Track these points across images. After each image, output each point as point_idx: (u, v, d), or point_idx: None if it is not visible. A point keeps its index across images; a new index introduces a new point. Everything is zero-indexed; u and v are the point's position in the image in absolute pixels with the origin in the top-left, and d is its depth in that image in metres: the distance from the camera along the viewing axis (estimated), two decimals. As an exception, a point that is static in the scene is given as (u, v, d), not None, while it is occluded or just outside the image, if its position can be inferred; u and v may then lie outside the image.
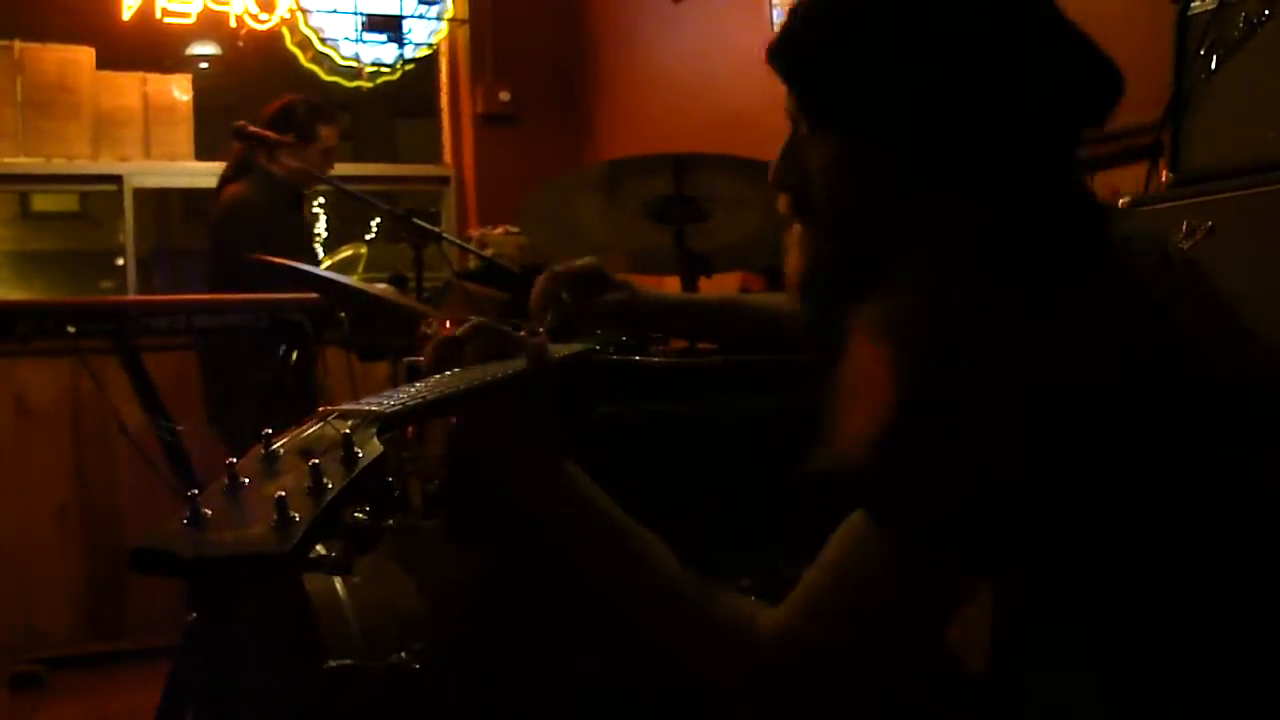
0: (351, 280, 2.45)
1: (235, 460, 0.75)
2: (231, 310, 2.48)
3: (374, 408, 0.84)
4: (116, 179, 4.85)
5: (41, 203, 10.02)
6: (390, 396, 0.89)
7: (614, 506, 1.02)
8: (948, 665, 1.17)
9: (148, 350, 2.39)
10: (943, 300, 0.91)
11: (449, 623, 1.47)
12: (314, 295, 2.44)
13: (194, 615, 2.28)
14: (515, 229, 4.42)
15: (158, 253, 8.29)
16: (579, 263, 1.49)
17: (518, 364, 1.00)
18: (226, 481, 0.74)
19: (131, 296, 4.65)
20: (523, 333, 1.52)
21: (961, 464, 0.86)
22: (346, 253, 4.97)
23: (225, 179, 3.85)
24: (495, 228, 4.65)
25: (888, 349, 0.90)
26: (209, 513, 0.70)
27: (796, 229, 1.07)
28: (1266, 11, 1.87)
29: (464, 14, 5.47)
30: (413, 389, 0.92)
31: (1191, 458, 0.89)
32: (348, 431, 0.78)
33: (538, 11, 5.49)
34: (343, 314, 2.40)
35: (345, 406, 0.85)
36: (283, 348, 2.47)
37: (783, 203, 1.08)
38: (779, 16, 4.16)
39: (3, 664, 3.90)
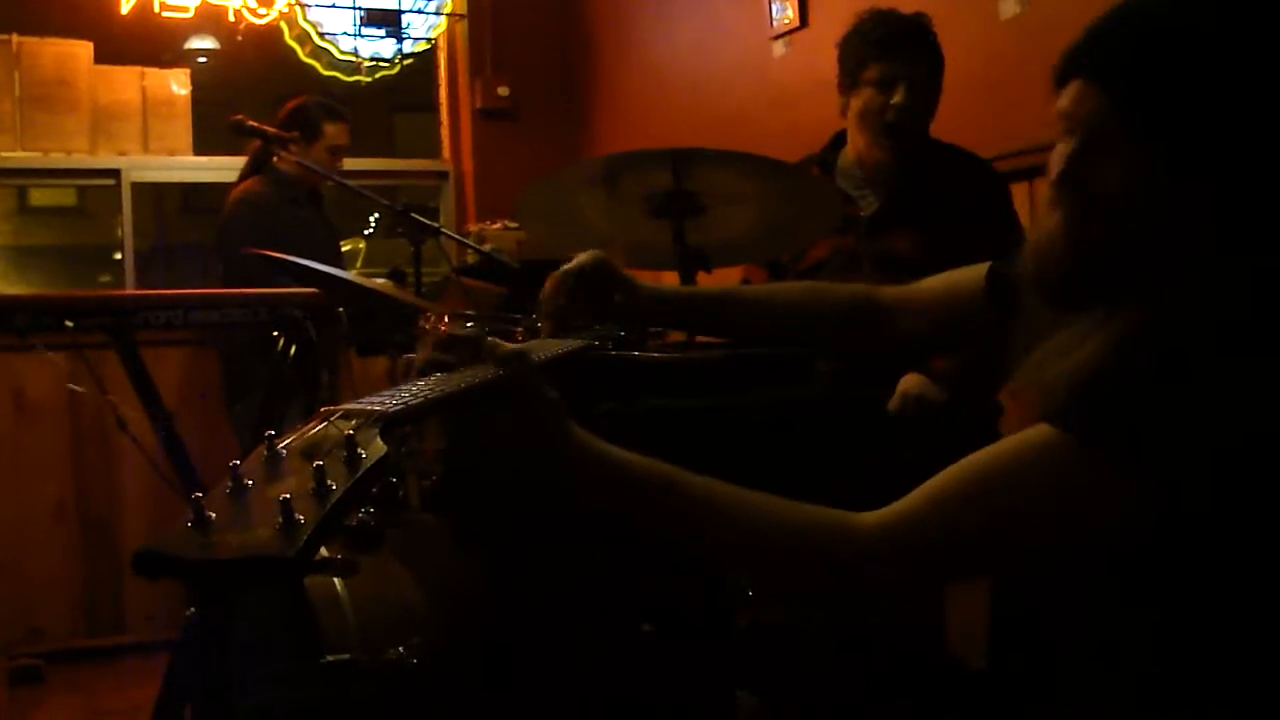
0: (350, 275, 2.44)
1: (239, 462, 0.75)
2: (230, 305, 2.48)
3: (376, 407, 0.84)
4: (114, 173, 4.85)
5: (39, 197, 10.01)
6: (392, 395, 0.89)
7: (643, 460, 1.02)
8: (948, 666, 1.17)
9: (146, 345, 2.39)
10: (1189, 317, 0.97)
11: (447, 618, 1.47)
12: (313, 290, 2.44)
13: (192, 610, 2.28)
14: (514, 224, 4.42)
15: (156, 247, 8.29)
16: (585, 260, 1.48)
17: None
18: (230, 483, 0.73)
19: (129, 291, 4.65)
20: (520, 330, 1.52)
21: (1166, 409, 0.92)
22: (346, 247, 4.98)
23: (240, 177, 3.88)
24: (494, 223, 4.66)
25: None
26: (213, 515, 0.70)
27: (1057, 220, 1.08)
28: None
29: (462, 8, 5.47)
30: (414, 388, 0.92)
31: None
32: (351, 432, 0.77)
33: (536, 6, 5.49)
34: (341, 309, 2.40)
35: (348, 406, 0.85)
36: (282, 343, 2.47)
37: (1054, 195, 1.08)
38: (778, 11, 4.15)
39: (1, 659, 3.90)
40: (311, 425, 0.82)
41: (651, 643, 1.39)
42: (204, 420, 3.79)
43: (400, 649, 1.41)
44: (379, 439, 0.79)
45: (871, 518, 0.99)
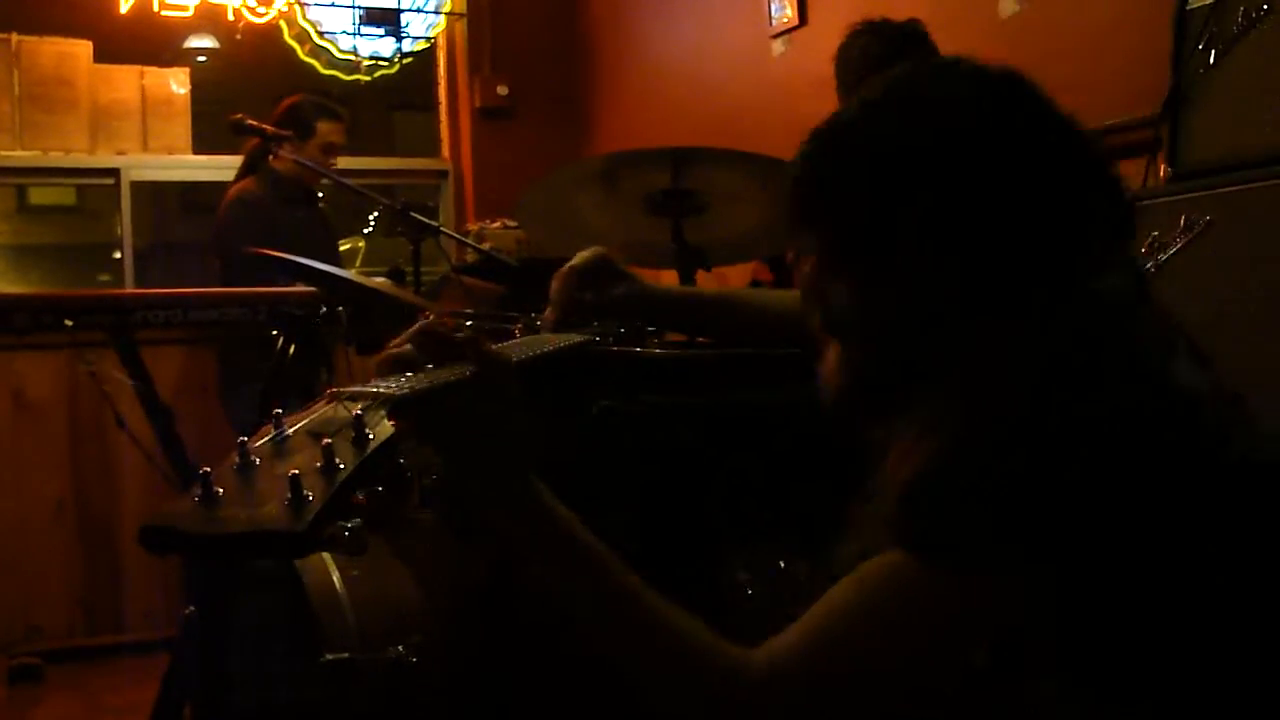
0: (349, 274, 2.44)
1: (246, 439, 0.76)
2: (229, 304, 2.48)
3: (384, 390, 0.84)
4: (114, 172, 4.85)
5: (38, 196, 10.00)
6: (398, 380, 0.89)
7: (583, 528, 0.98)
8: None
9: (145, 344, 2.39)
10: (996, 403, 0.94)
11: (447, 616, 1.47)
12: (312, 289, 2.44)
13: (191, 609, 2.28)
14: (513, 222, 4.42)
15: (155, 246, 8.28)
16: (587, 257, 1.49)
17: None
18: (238, 460, 0.74)
19: (129, 290, 4.65)
20: (519, 327, 1.52)
21: (1001, 498, 0.89)
22: (345, 246, 4.98)
23: (237, 176, 3.88)
24: (493, 221, 4.66)
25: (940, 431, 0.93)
26: (220, 491, 0.70)
27: (831, 347, 1.09)
28: (1265, 6, 1.87)
29: (462, 8, 5.47)
30: (418, 374, 0.91)
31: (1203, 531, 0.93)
32: (359, 412, 0.78)
33: (535, 5, 5.49)
34: (341, 308, 2.40)
35: (354, 389, 0.85)
36: (280, 341, 2.47)
37: (816, 323, 1.10)
38: (777, 10, 4.15)
39: (1, 657, 3.90)
40: (318, 406, 0.83)
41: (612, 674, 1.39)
42: (202, 418, 3.80)
43: (400, 648, 1.42)
44: (386, 421, 0.79)
45: (761, 658, 0.95)
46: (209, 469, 0.72)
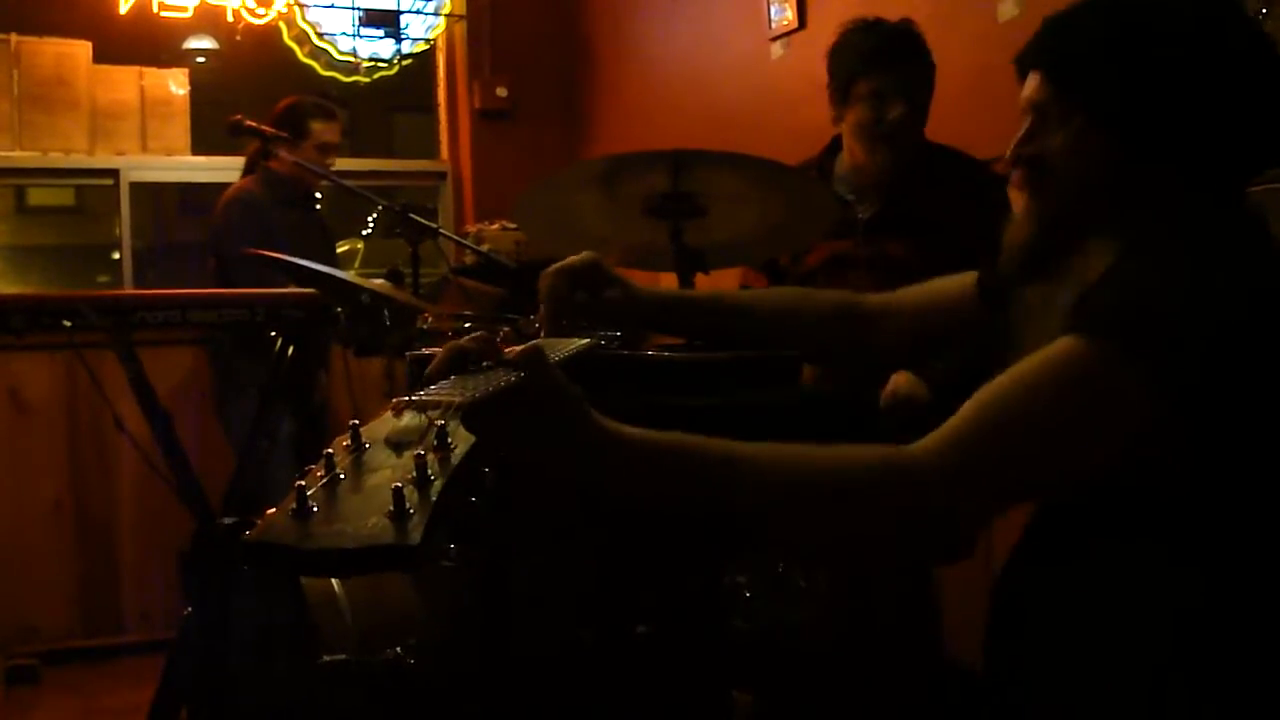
0: (348, 275, 2.44)
1: (331, 452, 0.75)
2: (228, 305, 2.48)
3: (450, 398, 0.83)
4: (113, 173, 4.85)
5: (37, 197, 10.01)
6: (453, 386, 0.88)
7: (668, 435, 1.02)
8: (945, 667, 1.18)
9: (144, 345, 2.38)
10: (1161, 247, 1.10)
11: (444, 619, 1.47)
12: (310, 291, 2.44)
13: (189, 610, 2.28)
14: (512, 224, 4.42)
15: (154, 247, 8.29)
16: (577, 259, 1.49)
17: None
18: (323, 473, 0.73)
19: (127, 290, 4.64)
20: (506, 331, 1.52)
21: (1170, 302, 1.03)
22: (343, 248, 4.98)
23: (240, 178, 3.89)
24: (492, 223, 4.65)
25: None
26: (314, 505, 0.70)
27: (1022, 201, 1.23)
28: (1264, 10, 1.87)
29: (461, 9, 5.47)
30: (469, 380, 0.91)
31: None
32: (441, 422, 0.77)
33: (535, 7, 5.49)
34: (339, 309, 2.40)
35: (416, 398, 0.84)
36: (279, 343, 2.47)
37: (1016, 178, 1.23)
38: (776, 13, 4.15)
39: (-2, 659, 3.91)
40: (386, 416, 0.82)
41: (647, 643, 1.39)
42: (201, 419, 3.80)
43: (397, 649, 1.42)
44: (462, 428, 0.79)
45: (919, 450, 1.03)
46: (303, 483, 0.71)
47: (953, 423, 1.04)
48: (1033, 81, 1.21)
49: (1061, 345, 1.04)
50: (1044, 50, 1.22)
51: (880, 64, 2.34)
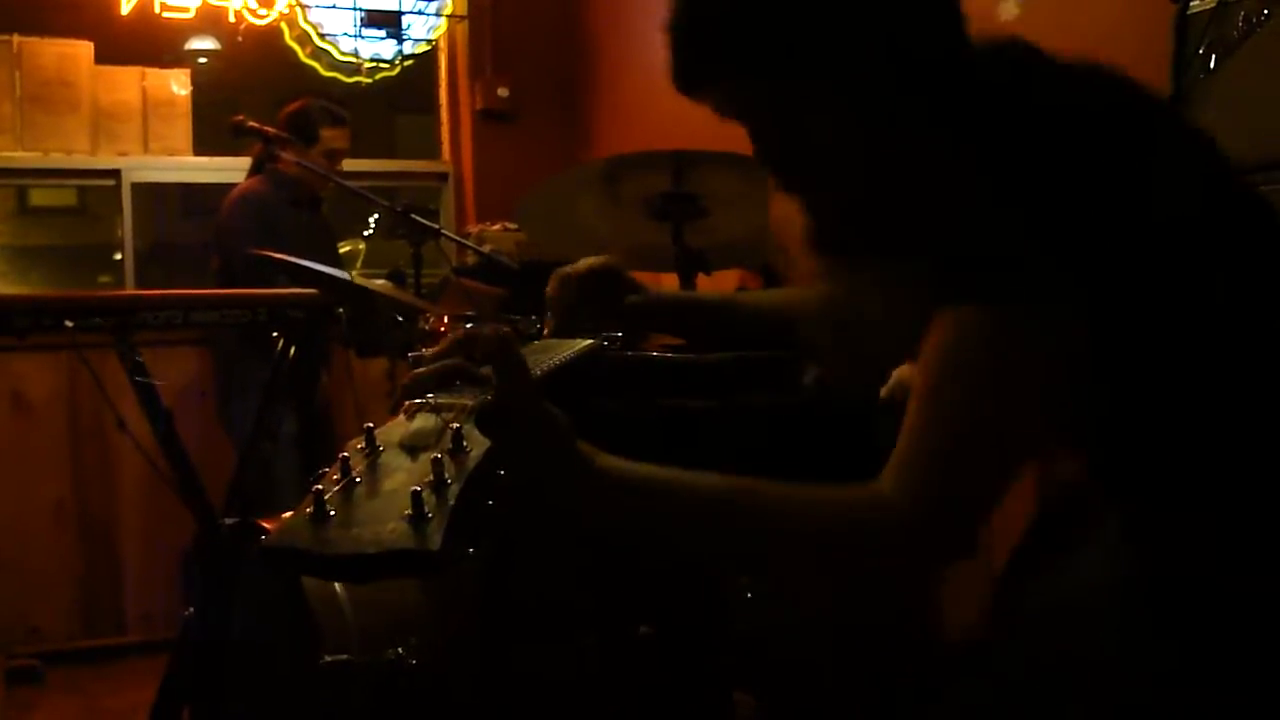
0: (350, 276, 2.44)
1: (346, 455, 0.75)
2: (230, 306, 2.48)
3: (461, 400, 0.83)
4: (115, 174, 4.84)
5: (39, 197, 10.00)
6: (463, 390, 0.88)
7: (651, 468, 1.00)
8: (927, 639, 1.18)
9: (145, 345, 2.39)
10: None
11: (445, 619, 1.47)
12: (313, 291, 2.44)
13: (190, 611, 2.28)
14: (514, 225, 4.42)
15: (156, 248, 8.28)
16: (594, 261, 1.48)
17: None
18: (339, 477, 0.73)
19: (129, 291, 4.64)
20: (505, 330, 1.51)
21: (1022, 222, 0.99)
22: (345, 248, 4.97)
23: (246, 177, 3.89)
24: (494, 224, 4.65)
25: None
26: (330, 509, 0.69)
27: (796, 207, 1.17)
28: (1265, 11, 1.87)
29: (463, 10, 5.47)
30: (475, 386, 0.90)
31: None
32: (457, 425, 0.77)
33: (536, 7, 5.48)
34: (341, 310, 2.40)
35: (428, 401, 0.83)
36: (280, 343, 2.47)
37: (778, 186, 1.17)
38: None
39: (0, 659, 3.90)
40: (400, 420, 0.82)
41: (649, 644, 1.39)
42: (203, 420, 3.80)
43: (398, 649, 1.42)
44: (476, 431, 0.78)
45: (891, 493, 0.99)
46: (320, 486, 0.71)
47: (910, 452, 1.00)
48: (717, 94, 1.17)
49: (965, 326, 0.99)
50: (705, 59, 1.16)
51: None
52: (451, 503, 0.69)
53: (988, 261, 0.99)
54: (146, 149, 4.87)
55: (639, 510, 0.99)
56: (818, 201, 1.15)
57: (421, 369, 0.94)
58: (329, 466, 0.75)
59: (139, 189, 4.98)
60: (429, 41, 5.53)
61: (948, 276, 1.01)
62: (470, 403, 0.83)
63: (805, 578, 1.05)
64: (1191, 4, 1.97)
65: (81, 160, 4.81)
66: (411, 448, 0.76)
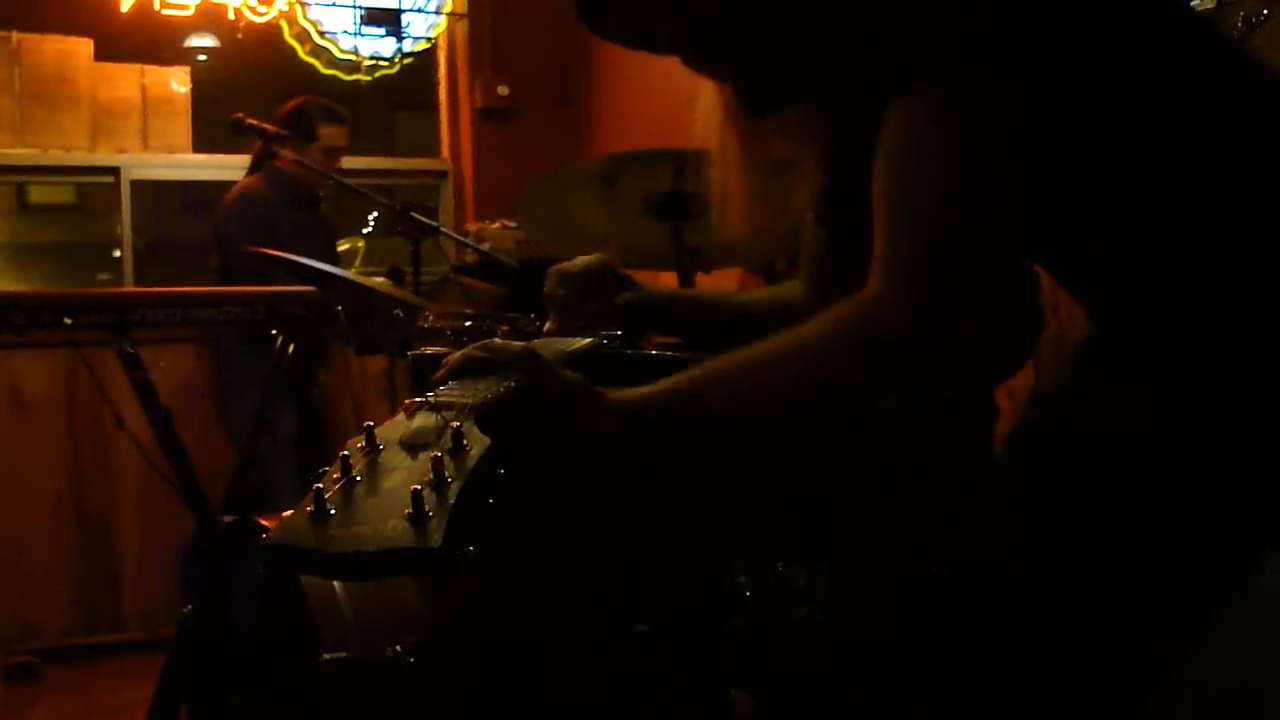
0: (349, 274, 2.44)
1: (346, 453, 0.74)
2: (229, 303, 2.48)
3: (462, 399, 0.83)
4: (114, 171, 4.84)
5: (38, 194, 9.99)
6: (463, 388, 0.88)
7: (667, 384, 1.02)
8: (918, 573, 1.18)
9: (144, 343, 2.38)
10: None
11: (445, 617, 1.47)
12: (312, 289, 2.44)
13: (188, 608, 2.28)
14: (513, 223, 4.42)
15: (155, 245, 8.28)
16: (588, 262, 1.49)
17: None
18: (339, 475, 0.73)
19: (128, 289, 4.64)
20: (503, 329, 1.51)
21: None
22: (344, 246, 4.97)
23: (246, 174, 3.89)
24: (493, 222, 4.65)
25: None
26: (330, 507, 0.69)
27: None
28: (1265, 11, 1.87)
29: (462, 8, 5.47)
30: (478, 383, 0.90)
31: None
32: (458, 424, 0.77)
33: (536, 5, 5.48)
34: (340, 308, 2.40)
35: (427, 399, 0.83)
36: (280, 341, 2.47)
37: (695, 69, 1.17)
38: (778, 12, 4.15)
39: (-2, 656, 3.91)
40: (400, 418, 0.81)
41: (647, 642, 1.39)
42: (201, 418, 3.80)
43: (398, 648, 1.42)
44: (477, 430, 0.78)
45: (869, 296, 0.99)
46: (320, 484, 0.71)
47: (886, 245, 0.99)
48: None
49: (908, 111, 0.98)
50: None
51: None
52: (452, 501, 0.69)
53: (915, 43, 0.98)
54: (145, 146, 4.87)
55: (674, 420, 1.01)
56: (745, 57, 1.13)
57: (455, 356, 0.96)
58: (327, 465, 0.75)
59: (138, 186, 4.97)
60: (428, 39, 5.53)
61: (883, 76, 0.99)
62: (470, 402, 0.83)
63: (835, 401, 1.04)
64: (1191, 4, 1.97)
65: (80, 157, 4.81)
66: (412, 446, 0.76)
